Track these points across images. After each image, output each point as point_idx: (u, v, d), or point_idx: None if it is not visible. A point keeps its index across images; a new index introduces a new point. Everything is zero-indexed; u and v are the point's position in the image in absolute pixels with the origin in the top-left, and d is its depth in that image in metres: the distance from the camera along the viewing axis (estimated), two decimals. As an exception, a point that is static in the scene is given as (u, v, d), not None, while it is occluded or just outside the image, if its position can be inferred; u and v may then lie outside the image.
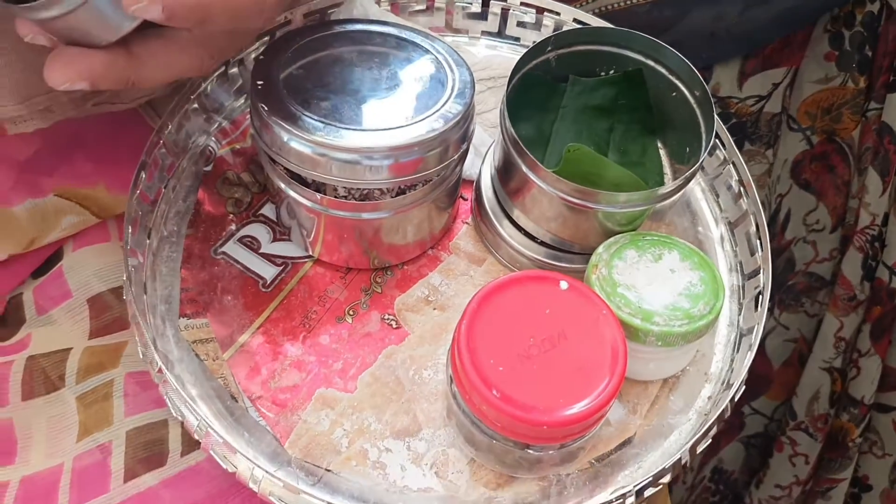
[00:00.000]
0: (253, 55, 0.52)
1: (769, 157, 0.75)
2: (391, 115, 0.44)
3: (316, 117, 0.43)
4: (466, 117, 0.45)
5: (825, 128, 0.75)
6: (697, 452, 0.42)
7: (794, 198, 0.78)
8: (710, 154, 0.53)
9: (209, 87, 0.52)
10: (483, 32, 0.58)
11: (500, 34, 0.58)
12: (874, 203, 0.71)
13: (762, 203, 0.77)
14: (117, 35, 0.36)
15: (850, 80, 0.71)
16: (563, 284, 0.42)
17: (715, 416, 0.42)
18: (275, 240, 0.50)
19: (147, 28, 0.36)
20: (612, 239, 0.46)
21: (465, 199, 0.53)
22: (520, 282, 0.42)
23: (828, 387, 0.82)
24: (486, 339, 0.40)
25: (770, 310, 0.85)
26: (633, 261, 0.44)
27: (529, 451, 0.41)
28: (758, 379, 0.87)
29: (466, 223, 0.53)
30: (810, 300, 0.83)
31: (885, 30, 0.67)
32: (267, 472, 0.39)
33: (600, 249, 0.45)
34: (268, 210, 0.51)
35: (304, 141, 0.42)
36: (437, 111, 0.44)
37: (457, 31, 0.58)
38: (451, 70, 0.46)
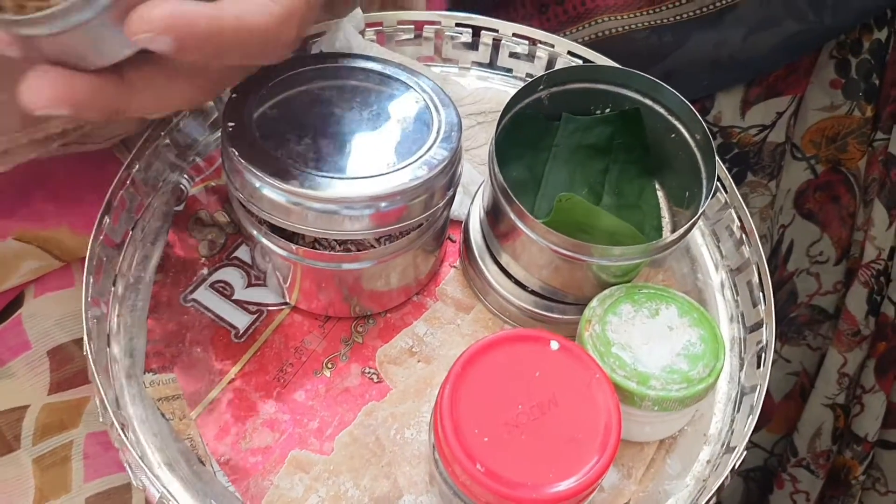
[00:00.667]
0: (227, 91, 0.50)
1: (772, 188, 0.72)
2: (372, 160, 0.41)
3: (291, 162, 0.40)
4: (453, 162, 0.42)
5: (830, 157, 0.72)
6: (696, 526, 0.39)
7: (797, 228, 0.76)
8: (711, 197, 0.50)
9: (182, 122, 0.49)
10: (474, 63, 0.56)
11: (492, 65, 0.56)
12: (880, 237, 0.69)
13: (765, 236, 0.75)
14: (112, 60, 0.32)
15: (856, 109, 0.68)
16: (554, 345, 0.39)
17: (716, 487, 0.40)
18: (249, 285, 0.47)
19: (141, 52, 0.32)
20: (606, 292, 0.43)
21: (454, 241, 0.51)
22: (508, 341, 0.39)
23: (830, 423, 0.79)
24: (470, 405, 0.37)
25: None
26: (629, 316, 0.42)
27: (517, 525, 0.38)
28: (760, 413, 0.85)
29: (454, 267, 0.50)
30: (812, 333, 0.80)
31: (892, 58, 0.65)
32: (232, 551, 0.36)
33: (594, 303, 0.42)
34: (242, 252, 0.48)
35: (277, 189, 0.39)
36: (422, 157, 0.41)
37: (447, 61, 0.56)
38: (437, 111, 0.43)
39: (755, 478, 0.90)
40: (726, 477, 0.40)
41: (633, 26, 0.64)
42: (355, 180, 0.40)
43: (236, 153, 0.40)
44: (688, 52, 0.64)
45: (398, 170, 0.40)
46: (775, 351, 0.81)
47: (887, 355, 0.74)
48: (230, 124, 0.41)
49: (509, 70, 0.55)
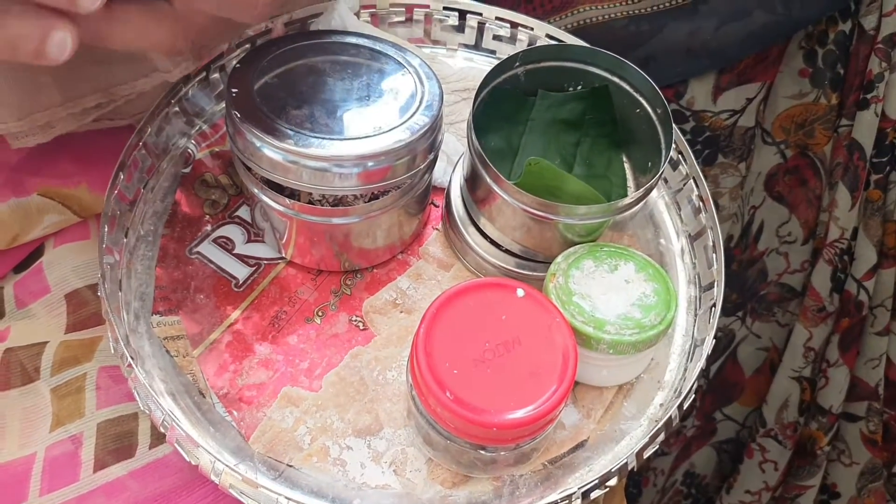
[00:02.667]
0: (233, 62, 0.54)
1: (742, 170, 0.76)
2: (361, 124, 0.45)
3: (288, 126, 0.44)
4: (433, 129, 0.46)
5: (799, 142, 0.76)
6: (645, 457, 0.44)
7: (767, 210, 0.80)
8: (674, 169, 0.55)
9: (190, 92, 0.54)
10: (460, 44, 0.60)
11: (477, 47, 0.60)
12: (843, 217, 0.73)
13: (736, 215, 0.79)
14: None
15: (822, 97, 0.73)
16: (520, 292, 0.44)
17: (662, 423, 0.44)
18: (249, 241, 0.52)
19: None
20: (571, 249, 0.47)
21: (437, 206, 0.55)
22: (478, 288, 0.44)
23: (797, 395, 0.84)
24: (443, 343, 0.42)
25: (742, 318, 0.86)
26: (590, 271, 0.46)
27: (483, 451, 0.43)
28: (730, 386, 0.89)
29: (436, 229, 0.54)
30: (782, 310, 0.85)
31: (856, 49, 0.69)
32: (227, 465, 0.41)
33: (559, 259, 0.47)
34: (243, 212, 0.52)
35: (275, 148, 0.44)
36: (405, 122, 0.45)
37: (435, 42, 0.60)
38: (422, 83, 0.48)
39: (727, 449, 0.95)
40: (672, 415, 0.44)
41: (612, 15, 0.68)
42: (345, 141, 0.44)
43: (238, 116, 0.44)
44: (664, 40, 0.68)
45: (384, 133, 0.45)
46: (746, 327, 0.86)
47: (850, 330, 0.78)
48: (233, 90, 0.45)
49: (493, 51, 0.60)
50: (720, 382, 0.88)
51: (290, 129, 0.44)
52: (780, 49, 0.72)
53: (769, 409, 0.86)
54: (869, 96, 0.69)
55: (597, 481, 0.42)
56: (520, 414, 0.40)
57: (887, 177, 0.72)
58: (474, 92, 0.48)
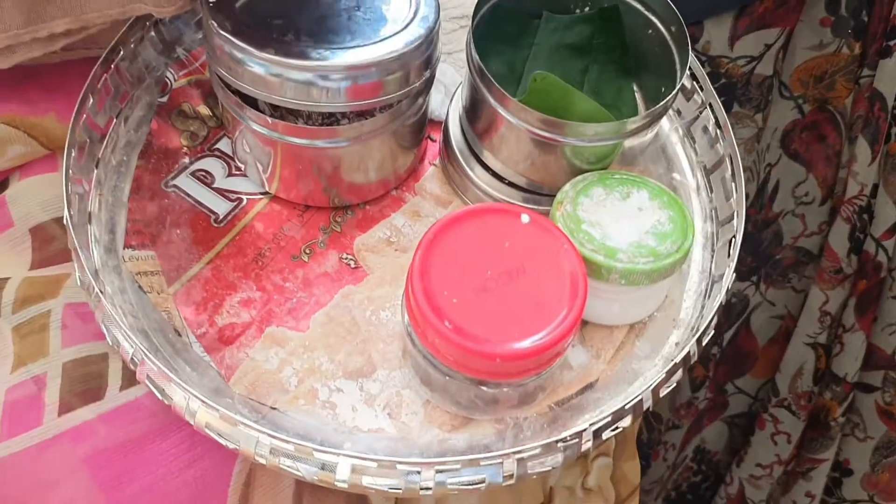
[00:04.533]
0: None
1: (758, 121, 0.73)
2: (350, 35, 0.41)
3: (271, 35, 0.40)
4: (429, 42, 0.43)
5: (818, 96, 0.72)
6: (661, 396, 0.40)
7: (783, 168, 0.76)
8: (688, 100, 0.51)
9: (166, 18, 0.50)
10: (460, -29, 0.56)
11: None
12: (862, 172, 0.69)
13: (751, 171, 0.75)
14: None
15: (844, 47, 0.69)
16: (525, 218, 0.40)
17: (680, 358, 0.40)
18: (230, 175, 0.48)
19: None
20: (579, 177, 0.44)
21: (434, 141, 0.51)
22: (479, 214, 0.40)
23: (812, 363, 0.80)
24: (441, 270, 0.38)
25: (756, 284, 0.82)
26: (600, 198, 0.42)
27: (485, 388, 0.39)
28: (743, 356, 0.85)
29: (434, 165, 0.50)
30: (797, 275, 0.81)
31: None
32: (204, 401, 0.37)
33: (567, 187, 0.43)
34: (224, 145, 0.49)
35: (257, 59, 0.40)
36: (398, 33, 0.42)
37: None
38: (417, -6, 0.44)
39: (739, 424, 0.91)
40: (691, 350, 0.40)
41: None
42: (333, 50, 0.40)
43: (216, 25, 0.40)
44: None
45: (374, 43, 0.41)
46: (760, 293, 0.82)
47: (867, 294, 0.74)
48: (211, 0, 0.41)
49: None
50: (733, 352, 0.84)
51: (274, 40, 0.40)
52: (800, -6, 0.68)
53: (782, 378, 0.82)
54: (892, 43, 0.65)
55: (609, 418, 0.38)
56: (525, 343, 0.36)
57: None
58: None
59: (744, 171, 0.75)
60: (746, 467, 0.88)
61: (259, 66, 0.40)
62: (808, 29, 0.69)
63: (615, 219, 0.42)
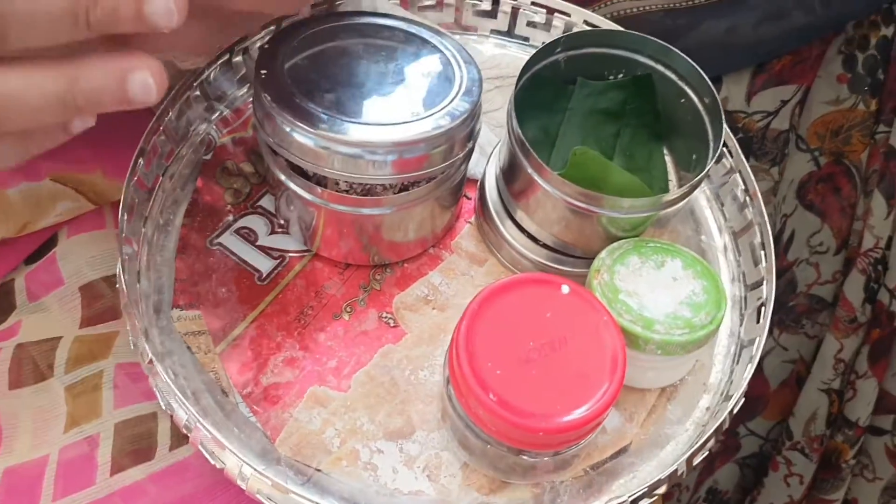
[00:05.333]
0: (258, 44, 0.52)
1: (774, 174, 0.74)
2: (396, 110, 0.43)
3: (320, 109, 0.42)
4: (473, 115, 0.44)
5: (834, 149, 0.74)
6: (694, 464, 0.41)
7: (798, 219, 0.78)
8: (717, 162, 0.52)
9: (212, 75, 0.51)
10: (492, 31, 0.58)
11: (510, 33, 0.58)
12: (878, 225, 0.71)
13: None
14: None
15: (861, 103, 0.70)
16: (565, 288, 0.41)
17: (713, 428, 0.41)
18: (272, 232, 0.49)
19: None
20: (615, 244, 0.45)
21: (469, 199, 0.53)
22: (521, 284, 0.41)
23: (825, 408, 0.81)
24: (485, 341, 0.39)
25: (770, 330, 0.84)
26: (636, 267, 0.44)
27: (524, 457, 0.40)
28: (755, 399, 0.87)
29: (469, 223, 0.52)
30: (811, 322, 0.82)
31: None
32: (256, 469, 0.38)
33: (603, 254, 0.44)
34: (266, 202, 0.50)
35: (306, 133, 0.41)
36: (444, 108, 0.43)
37: (466, 29, 0.58)
38: (460, 67, 0.45)
39: (751, 464, 0.92)
40: (724, 420, 0.42)
41: (647, 7, 0.66)
42: (380, 127, 0.42)
43: (268, 98, 0.42)
44: (700, 34, 0.66)
45: (421, 119, 0.42)
46: (773, 338, 0.83)
47: (881, 342, 0.76)
48: (262, 72, 0.43)
49: (526, 38, 0.57)
50: (745, 396, 0.86)
51: (323, 113, 0.42)
52: (818, 53, 0.70)
53: (796, 422, 0.83)
54: None
55: (646, 489, 0.39)
56: (568, 418, 0.38)
57: None
58: (507, 80, 0.46)
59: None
60: None
61: (308, 139, 0.41)
62: (826, 84, 0.71)
63: (651, 288, 0.43)
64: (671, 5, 0.66)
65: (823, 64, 0.70)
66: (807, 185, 0.76)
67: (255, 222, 0.49)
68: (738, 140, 0.70)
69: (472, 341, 0.39)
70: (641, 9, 0.65)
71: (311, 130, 0.41)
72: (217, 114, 0.52)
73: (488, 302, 0.40)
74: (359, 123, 0.42)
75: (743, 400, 0.43)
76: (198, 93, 0.50)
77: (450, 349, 0.40)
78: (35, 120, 0.32)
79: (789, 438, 0.84)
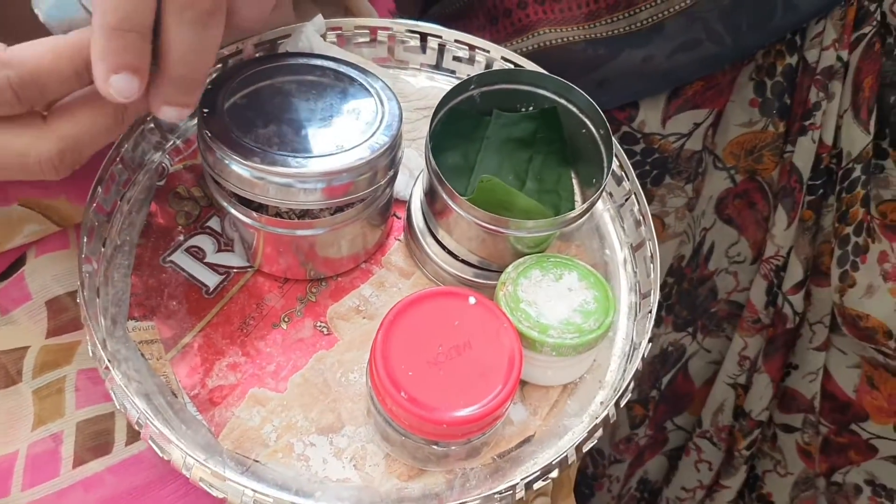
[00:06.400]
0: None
1: (688, 191, 0.80)
2: (325, 143, 0.49)
3: (255, 144, 0.47)
4: (393, 147, 0.50)
5: (748, 167, 0.80)
6: (583, 451, 0.47)
7: (717, 232, 0.84)
8: (618, 184, 0.58)
9: (165, 110, 0.57)
10: (423, 64, 0.64)
11: (438, 67, 0.64)
12: (779, 235, 0.77)
13: (686, 234, 0.83)
14: None
15: (770, 125, 0.77)
16: (472, 300, 0.47)
17: (600, 419, 0.48)
18: (219, 250, 0.55)
19: None
20: (520, 260, 0.51)
21: (399, 218, 0.58)
22: (434, 296, 0.47)
23: (731, 400, 0.88)
24: (399, 347, 0.45)
25: (693, 334, 0.91)
26: (537, 280, 0.50)
27: (436, 447, 0.46)
28: (681, 397, 0.93)
29: (398, 240, 0.58)
30: (730, 326, 0.89)
31: (801, 81, 0.73)
32: (197, 460, 0.44)
33: (509, 269, 0.50)
34: (214, 223, 0.56)
35: (243, 165, 0.47)
36: (367, 141, 0.49)
37: (399, 62, 0.64)
38: (382, 103, 0.51)
39: (677, 455, 0.99)
40: (610, 413, 0.48)
41: (570, 38, 0.72)
42: (309, 158, 0.48)
43: (209, 134, 0.47)
44: (619, 63, 0.72)
45: (346, 151, 0.48)
46: (697, 342, 0.90)
47: (773, 341, 0.83)
48: (204, 110, 0.49)
49: (453, 71, 0.63)
50: (672, 394, 0.92)
51: (258, 147, 0.47)
52: (730, 79, 0.76)
53: (706, 412, 0.90)
54: (807, 123, 0.73)
55: (538, 472, 0.46)
56: (468, 411, 0.44)
57: (821, 199, 0.76)
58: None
59: (679, 234, 0.84)
60: (673, 489, 0.97)
61: (246, 171, 0.47)
62: (739, 108, 0.77)
63: (548, 298, 0.49)
64: (592, 36, 0.72)
65: (736, 89, 0.77)
66: (724, 200, 0.83)
67: (204, 241, 0.55)
68: (654, 159, 0.77)
69: (387, 347, 0.45)
70: (564, 39, 0.72)
71: (247, 163, 0.47)
72: (170, 143, 0.57)
73: (403, 313, 0.46)
74: (290, 156, 0.47)
75: (629, 395, 0.49)
76: (152, 125, 0.56)
77: (370, 355, 0.46)
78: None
79: (699, 426, 0.91)
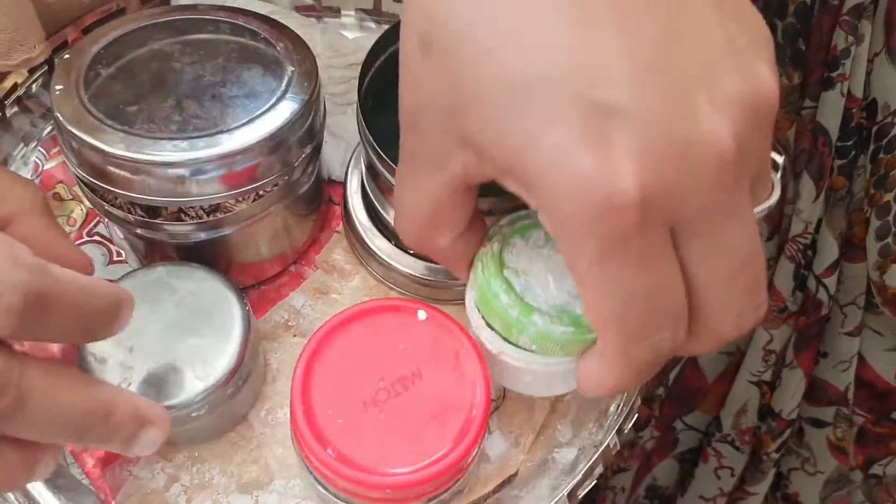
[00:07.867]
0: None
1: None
2: (217, 118, 0.37)
3: (122, 127, 0.36)
4: (308, 114, 0.38)
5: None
6: (579, 497, 0.37)
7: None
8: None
9: (34, 87, 0.45)
10: (357, 9, 0.52)
11: (376, 11, 0.52)
12: (807, 210, 0.65)
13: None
14: None
15: (783, 76, 0.64)
16: (421, 314, 0.36)
17: (598, 453, 0.37)
18: (110, 262, 0.44)
19: None
20: (523, 212, 0.36)
21: (337, 203, 0.47)
22: (371, 313, 0.36)
23: (756, 400, 0.77)
24: (325, 384, 0.34)
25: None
26: (537, 244, 0.35)
27: (387, 509, 0.35)
28: (692, 393, 0.82)
29: (337, 231, 0.46)
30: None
31: (818, 21, 0.61)
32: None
33: (503, 221, 0.36)
34: (103, 229, 0.45)
35: (109, 156, 0.35)
36: (270, 110, 0.37)
37: (327, 9, 0.52)
38: (291, 61, 0.40)
39: (691, 459, 0.88)
40: (611, 443, 0.37)
41: None
42: (199, 139, 0.36)
43: (63, 118, 0.36)
44: None
45: (244, 125, 0.37)
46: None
47: (806, 331, 0.71)
48: (58, 87, 0.37)
49: (395, 16, 0.51)
50: (680, 390, 0.81)
51: (125, 132, 0.36)
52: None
53: (726, 414, 0.79)
54: (834, 74, 0.61)
55: (521, 540, 0.35)
56: (417, 470, 0.33)
57: (853, 162, 0.64)
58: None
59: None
60: (690, 499, 0.86)
61: (113, 165, 0.36)
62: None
63: (545, 272, 0.35)
64: None
65: None
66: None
67: (93, 251, 0.44)
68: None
69: (308, 387, 0.34)
70: None
71: (114, 153, 0.35)
72: (45, 132, 0.46)
73: (330, 337, 0.35)
74: (171, 139, 0.36)
75: (634, 417, 0.38)
76: (16, 109, 0.45)
77: (291, 395, 0.35)
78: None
79: (719, 430, 0.81)
